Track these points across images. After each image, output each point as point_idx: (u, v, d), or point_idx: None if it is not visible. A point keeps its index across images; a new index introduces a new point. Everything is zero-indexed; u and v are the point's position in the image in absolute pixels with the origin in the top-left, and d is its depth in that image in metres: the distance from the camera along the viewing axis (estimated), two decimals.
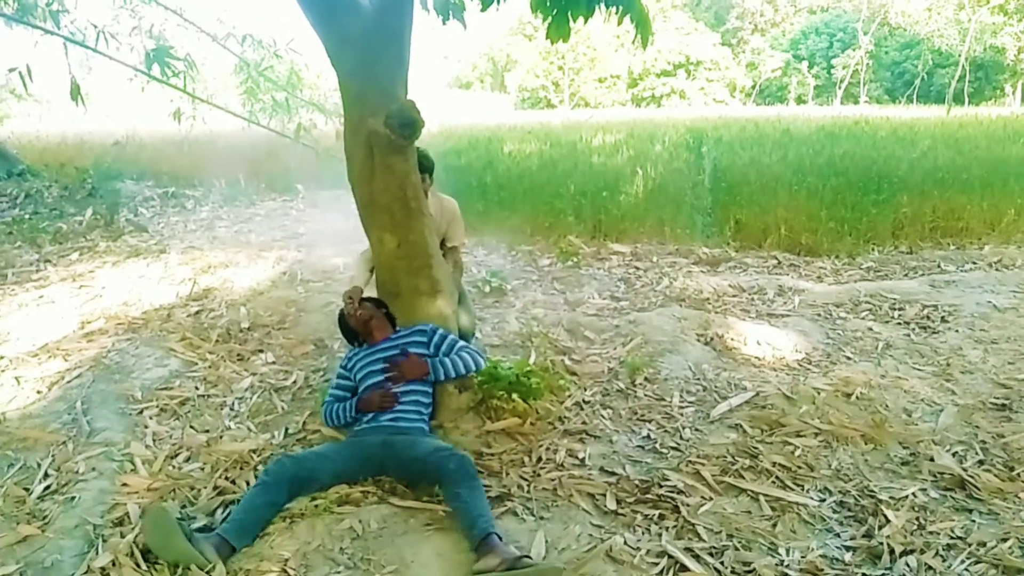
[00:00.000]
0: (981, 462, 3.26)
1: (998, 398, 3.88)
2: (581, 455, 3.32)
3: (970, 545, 2.65)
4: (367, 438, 3.15)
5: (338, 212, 9.85)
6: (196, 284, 6.01)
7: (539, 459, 3.27)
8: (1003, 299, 5.38)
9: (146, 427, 3.57)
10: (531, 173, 9.84)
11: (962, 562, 2.56)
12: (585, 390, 4.00)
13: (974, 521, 2.82)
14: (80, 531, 2.73)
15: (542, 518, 2.83)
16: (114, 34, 6.95)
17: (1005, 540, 2.68)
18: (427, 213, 3.62)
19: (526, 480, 3.09)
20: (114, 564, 2.52)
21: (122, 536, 2.67)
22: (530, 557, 2.55)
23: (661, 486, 3.05)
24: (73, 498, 2.94)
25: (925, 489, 3.04)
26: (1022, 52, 39.49)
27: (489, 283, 5.98)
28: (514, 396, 3.55)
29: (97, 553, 2.60)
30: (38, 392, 3.99)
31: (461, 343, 3.58)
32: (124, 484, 3.05)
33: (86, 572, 2.51)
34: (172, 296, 5.74)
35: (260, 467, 3.14)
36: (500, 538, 2.60)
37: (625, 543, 2.65)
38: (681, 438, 3.51)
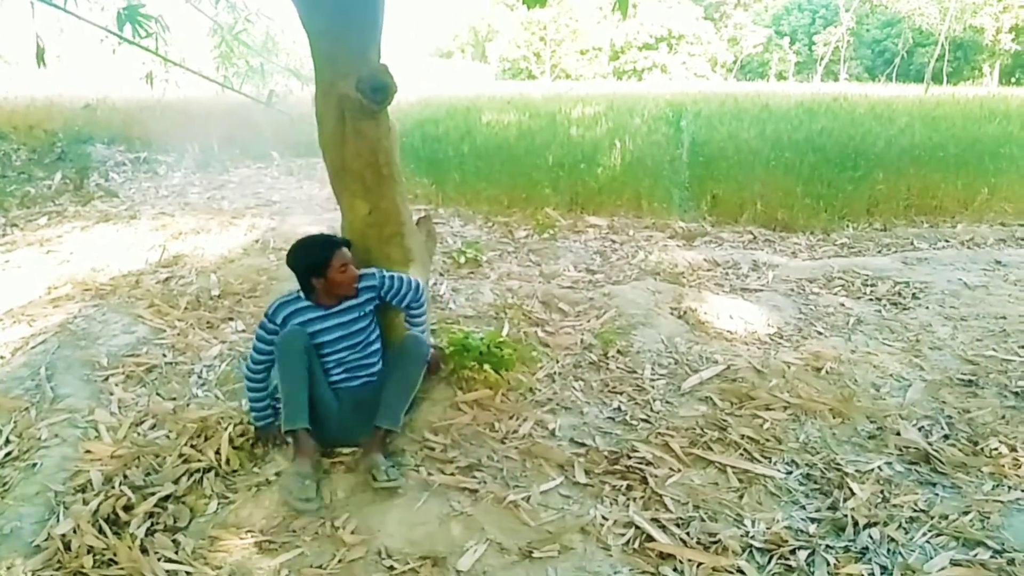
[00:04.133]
0: (946, 437, 3.30)
1: (965, 374, 3.92)
2: (551, 426, 3.32)
3: (932, 518, 2.69)
4: (344, 399, 3.08)
5: (313, 180, 9.76)
6: (166, 251, 5.92)
7: (509, 430, 3.27)
8: (974, 277, 5.43)
9: (111, 394, 3.52)
10: (509, 144, 9.76)
11: (924, 534, 2.60)
12: (557, 362, 3.99)
13: (937, 495, 2.86)
14: (41, 498, 2.70)
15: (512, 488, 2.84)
16: None
17: (967, 513, 2.72)
18: (399, 180, 3.56)
19: (496, 451, 3.09)
20: (75, 531, 2.49)
21: (84, 503, 2.65)
22: (391, 479, 2.74)
23: (630, 457, 3.06)
24: (35, 465, 2.90)
25: (891, 463, 3.08)
26: (1000, 32, 39.76)
27: (464, 254, 5.94)
28: (485, 367, 3.54)
29: (58, 520, 2.57)
30: (1, 358, 3.91)
31: (410, 290, 3.26)
32: (87, 451, 3.01)
33: (47, 539, 2.48)
34: (141, 262, 5.65)
35: (229, 434, 3.10)
36: (389, 435, 2.97)
37: (593, 514, 2.67)
38: (651, 410, 3.51)
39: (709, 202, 8.09)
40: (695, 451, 3.13)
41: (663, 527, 2.61)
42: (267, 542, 2.50)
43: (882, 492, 2.85)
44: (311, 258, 3.03)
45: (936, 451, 3.13)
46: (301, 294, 3.09)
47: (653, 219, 7.69)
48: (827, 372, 3.91)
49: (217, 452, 2.98)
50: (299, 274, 3.06)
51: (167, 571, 2.38)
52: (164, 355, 3.99)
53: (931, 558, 2.48)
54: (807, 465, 3.05)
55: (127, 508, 2.64)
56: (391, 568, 2.39)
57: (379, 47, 3.26)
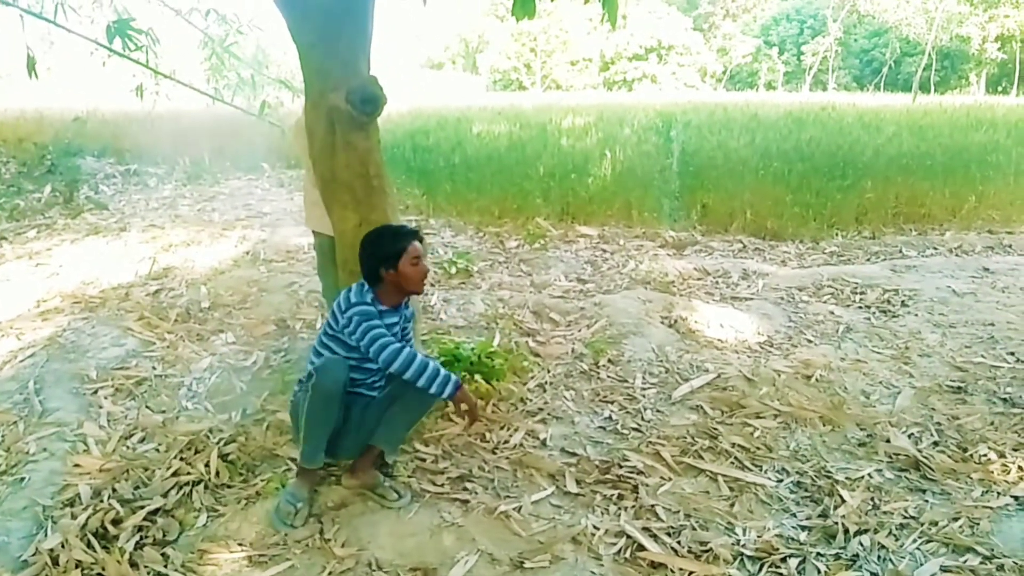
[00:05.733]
0: (936, 443, 3.31)
1: (954, 381, 3.94)
2: (543, 436, 3.32)
3: (922, 525, 2.69)
4: (364, 412, 2.82)
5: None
6: (156, 263, 5.90)
7: (500, 440, 3.27)
8: (962, 284, 5.46)
9: (100, 407, 3.50)
10: (500, 154, 9.78)
11: (914, 541, 2.60)
12: (548, 372, 4.00)
13: (927, 501, 2.87)
14: (29, 512, 2.68)
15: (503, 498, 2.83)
16: (75, 7, 6.74)
17: (956, 519, 2.72)
18: (390, 191, 3.57)
19: (487, 461, 3.08)
20: (64, 546, 2.47)
21: (73, 517, 2.63)
22: (401, 497, 2.77)
23: (621, 467, 3.06)
24: (23, 479, 2.88)
25: (880, 470, 3.08)
26: (986, 42, 40.11)
27: (455, 264, 5.94)
28: (476, 377, 3.54)
29: (46, 535, 2.54)
30: None
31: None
32: (76, 465, 2.99)
33: (35, 554, 2.46)
34: (131, 275, 5.63)
35: (218, 447, 3.09)
36: (384, 459, 2.87)
37: (585, 524, 2.67)
38: (642, 419, 3.52)
39: (699, 211, 8.12)
40: (686, 460, 3.13)
41: (654, 536, 2.61)
42: (257, 555, 2.49)
43: (872, 499, 2.86)
44: (383, 248, 2.74)
45: (926, 458, 3.14)
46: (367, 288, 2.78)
47: (643, 228, 7.71)
48: (817, 380, 3.92)
49: (207, 465, 2.97)
50: (369, 265, 2.76)
51: None
52: (154, 368, 3.98)
53: (921, 564, 2.48)
54: (798, 473, 3.06)
55: (116, 522, 2.62)
56: None
57: (368, 59, 3.28)
